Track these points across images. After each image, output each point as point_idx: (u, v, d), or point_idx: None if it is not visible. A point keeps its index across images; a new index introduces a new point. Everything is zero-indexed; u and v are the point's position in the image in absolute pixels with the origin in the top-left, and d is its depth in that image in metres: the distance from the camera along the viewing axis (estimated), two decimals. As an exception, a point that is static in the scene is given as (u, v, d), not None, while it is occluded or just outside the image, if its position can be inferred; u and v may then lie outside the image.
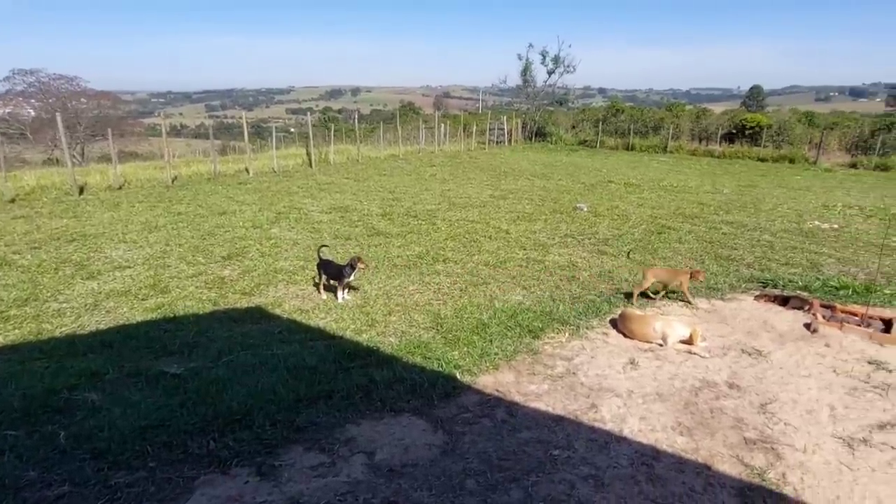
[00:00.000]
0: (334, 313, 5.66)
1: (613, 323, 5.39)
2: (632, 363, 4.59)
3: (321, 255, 6.33)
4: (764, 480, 3.17)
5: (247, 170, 16.98)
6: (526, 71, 34.91)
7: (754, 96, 77.06)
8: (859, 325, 5.42)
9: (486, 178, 16.99)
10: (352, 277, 5.97)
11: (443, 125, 28.68)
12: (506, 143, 30.65)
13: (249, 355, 4.64)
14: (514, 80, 36.29)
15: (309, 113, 21.25)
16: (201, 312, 5.72)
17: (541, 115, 34.76)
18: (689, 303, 5.99)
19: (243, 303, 6.02)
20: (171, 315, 5.62)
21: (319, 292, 6.20)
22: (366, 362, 4.51)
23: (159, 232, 9.08)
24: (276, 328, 5.29)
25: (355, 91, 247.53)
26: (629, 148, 29.78)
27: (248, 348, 4.79)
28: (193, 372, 4.30)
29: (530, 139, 33.30)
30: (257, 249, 8.07)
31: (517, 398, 4.04)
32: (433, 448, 3.41)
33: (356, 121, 23.92)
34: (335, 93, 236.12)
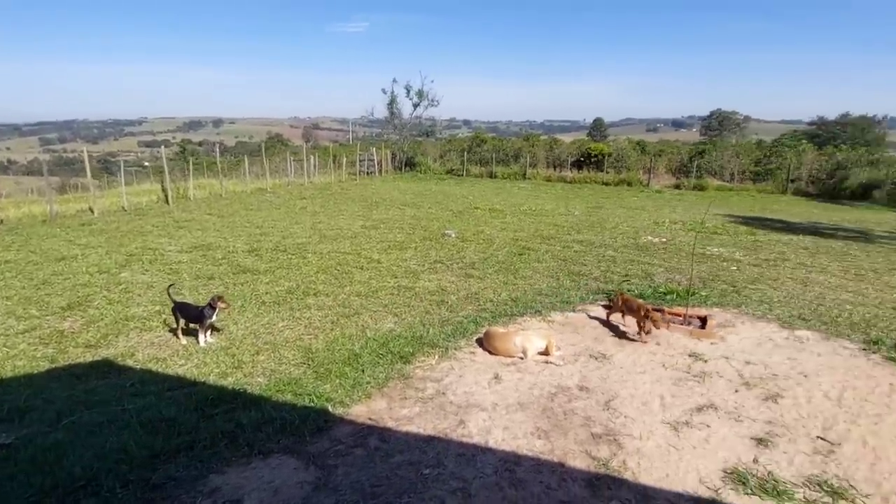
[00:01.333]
0: (196, 358, 5.36)
1: (479, 342, 5.71)
2: (496, 378, 4.91)
3: (173, 297, 5.97)
4: (608, 469, 3.57)
5: (91, 209, 15.41)
6: (392, 104, 35.85)
7: (597, 127, 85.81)
8: (682, 324, 6.30)
9: (357, 208, 17.05)
10: (213, 318, 5.71)
11: (312, 157, 28.30)
12: (376, 174, 30.99)
13: (95, 414, 4.25)
14: (382, 112, 37.07)
15: (164, 145, 19.82)
16: (35, 372, 5.11)
17: (409, 146, 35.73)
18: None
19: (88, 357, 5.48)
20: (-3, 378, 4.96)
21: (178, 338, 5.82)
22: (231, 406, 4.34)
23: (-21, 285, 7.93)
24: (127, 381, 4.88)
25: (217, 122, 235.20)
26: (492, 176, 31.61)
27: (94, 406, 4.38)
28: (27, 439, 3.84)
29: (400, 169, 34.02)
30: (104, 297, 7.37)
31: (390, 424, 4.14)
32: (305, 486, 3.38)
33: (218, 153, 22.76)
34: (195, 124, 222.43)
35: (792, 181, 27.64)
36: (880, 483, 3.50)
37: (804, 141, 36.21)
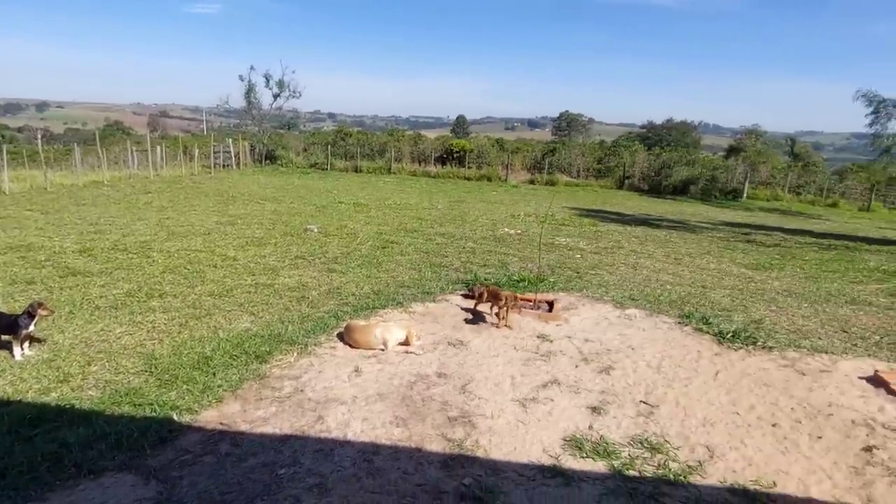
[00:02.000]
0: (10, 374, 4.66)
1: (340, 336, 5.67)
2: (356, 371, 4.92)
3: None
4: (462, 449, 3.77)
5: None
6: (250, 93, 33.87)
7: (460, 124, 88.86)
8: (532, 309, 6.80)
9: (211, 203, 15.92)
10: (31, 328, 5.01)
11: (159, 147, 25.82)
12: (234, 167, 29.13)
13: None
14: (239, 101, 34.88)
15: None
16: None
17: (269, 138, 34.09)
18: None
19: None
20: None
21: None
22: (55, 425, 3.86)
23: None
24: (-84, 407, 4.12)
25: (42, 106, 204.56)
26: (357, 170, 31.36)
27: None
28: None
29: (260, 162, 32.34)
30: None
31: (243, 427, 3.96)
32: (145, 502, 3.13)
33: (40, 141, 19.86)
34: (12, 107, 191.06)
35: (627, 178, 30.99)
36: (688, 437, 4.09)
37: (637, 142, 40.75)
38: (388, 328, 5.46)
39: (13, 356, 4.96)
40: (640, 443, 3.95)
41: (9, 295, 6.70)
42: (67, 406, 4.15)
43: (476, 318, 6.46)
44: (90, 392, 4.41)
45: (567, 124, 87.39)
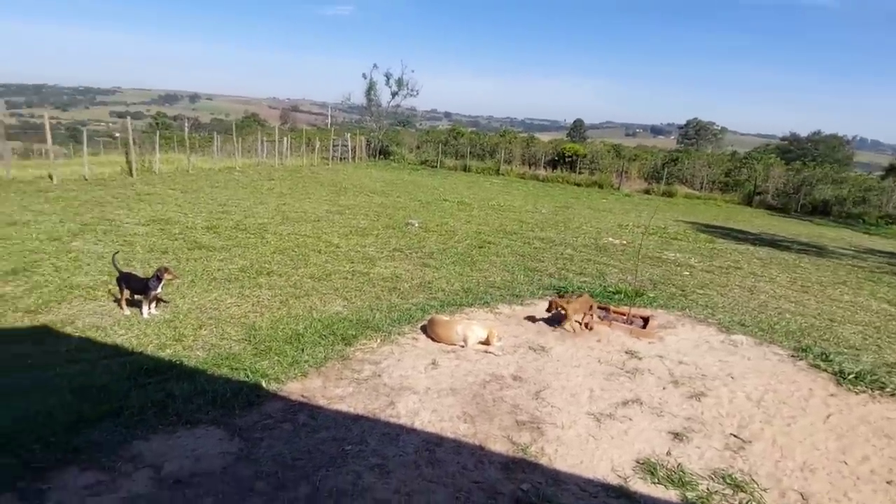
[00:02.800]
0: (137, 329, 5.33)
1: (424, 329, 5.80)
2: (433, 363, 5.01)
3: (119, 267, 5.89)
4: (526, 454, 3.70)
5: (50, 176, 14.98)
6: (371, 90, 35.64)
7: (577, 128, 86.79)
8: (625, 323, 6.50)
9: (325, 193, 16.96)
10: (158, 290, 5.67)
11: (285, 139, 27.97)
12: (350, 160, 30.79)
13: (26, 378, 4.21)
14: (360, 98, 36.81)
15: (129, 117, 19.39)
16: (-32, 334, 5.02)
17: (385, 135, 35.59)
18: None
19: (26, 322, 5.39)
20: (-75, 339, 4.86)
21: (122, 308, 5.77)
22: (165, 377, 4.34)
23: (-80, 245, 7.70)
24: (63, 348, 4.83)
25: (194, 97, 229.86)
26: (466, 169, 31.77)
27: (24, 370, 4.34)
28: (-52, 399, 3.79)
29: (374, 157, 33.88)
30: (52, 264, 7.23)
31: (321, 402, 4.20)
32: (227, 455, 3.43)
33: (187, 129, 22.32)
34: (170, 98, 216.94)
35: (758, 193, 28.46)
36: (780, 480, 3.70)
37: (773, 155, 37.26)
38: (470, 326, 5.50)
39: (141, 313, 5.65)
40: (723, 478, 3.64)
41: (145, 261, 7.62)
42: (177, 362, 4.65)
43: (561, 325, 6.30)
44: (198, 352, 4.90)
45: (695, 132, 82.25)
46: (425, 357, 5.15)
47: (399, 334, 5.66)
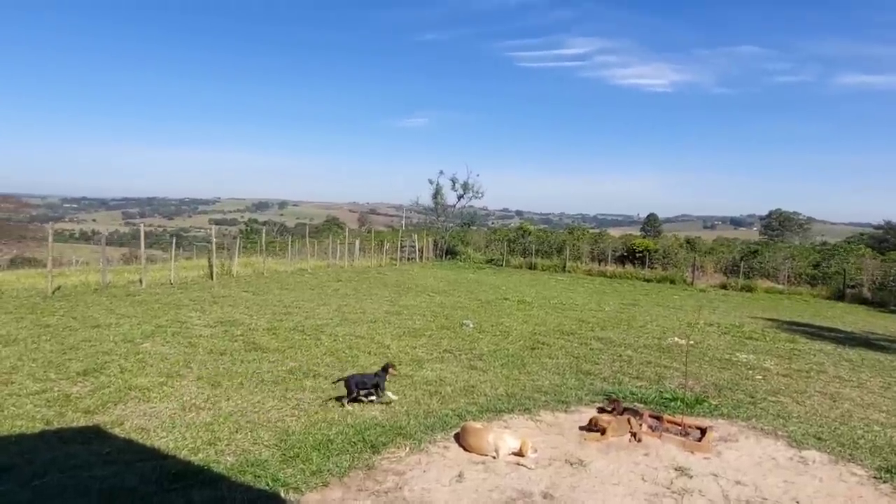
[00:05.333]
0: (177, 432, 5.51)
1: (457, 437, 5.60)
2: (459, 476, 4.77)
3: (340, 377, 6.82)
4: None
5: (140, 280, 16.48)
6: (437, 195, 37.47)
7: (651, 223, 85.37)
8: (679, 435, 5.96)
9: (387, 293, 17.41)
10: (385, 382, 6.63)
11: (357, 241, 29.48)
12: (417, 260, 31.74)
13: (65, 478, 4.42)
14: (427, 201, 38.74)
15: (213, 225, 21.33)
16: (29, 432, 5.38)
17: (451, 235, 36.75)
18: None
19: (81, 422, 5.73)
20: (-7, 437, 5.25)
21: (344, 405, 6.38)
22: (190, 483, 4.41)
23: (15, 346, 8.55)
24: (105, 448, 5.06)
25: (282, 204, 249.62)
26: (532, 267, 31.74)
27: (67, 471, 4.56)
28: (-5, 497, 4.03)
29: (441, 257, 34.74)
30: (119, 365, 7.77)
31: (336, 515, 4.07)
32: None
33: (264, 234, 24.12)
34: (262, 205, 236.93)
35: (850, 287, 26.23)
36: None
37: (863, 246, 34.65)
38: (501, 435, 5.25)
39: (385, 401, 6.55)
40: None
41: (203, 363, 8.01)
42: (205, 467, 4.72)
43: (611, 435, 5.86)
44: (227, 458, 4.96)
45: (779, 224, 78.61)
46: (452, 468, 4.93)
47: (430, 442, 5.48)
